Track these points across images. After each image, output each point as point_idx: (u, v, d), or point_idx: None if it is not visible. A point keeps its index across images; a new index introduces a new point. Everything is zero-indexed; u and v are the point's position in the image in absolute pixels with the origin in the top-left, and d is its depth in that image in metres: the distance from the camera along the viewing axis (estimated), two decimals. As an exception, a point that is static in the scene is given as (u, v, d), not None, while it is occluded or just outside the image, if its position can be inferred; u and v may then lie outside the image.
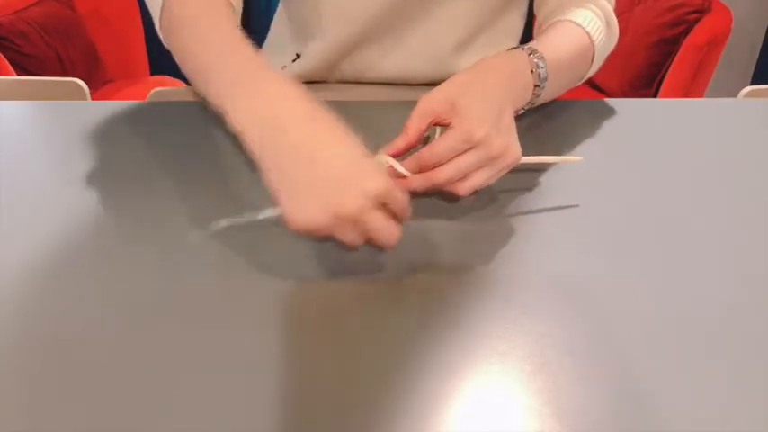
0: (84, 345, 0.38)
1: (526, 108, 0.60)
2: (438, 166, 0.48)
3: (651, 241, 0.49)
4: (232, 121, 0.46)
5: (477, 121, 0.48)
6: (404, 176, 0.49)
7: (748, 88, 0.95)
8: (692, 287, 0.44)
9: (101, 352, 0.37)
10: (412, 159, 0.49)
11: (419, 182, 0.49)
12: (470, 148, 0.48)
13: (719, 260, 0.47)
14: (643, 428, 0.33)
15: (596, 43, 0.67)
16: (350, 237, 0.41)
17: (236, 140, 0.63)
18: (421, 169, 0.49)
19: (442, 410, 0.34)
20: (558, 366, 0.37)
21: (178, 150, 0.61)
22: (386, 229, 0.41)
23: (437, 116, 0.50)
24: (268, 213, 0.46)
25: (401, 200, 0.43)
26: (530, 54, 0.58)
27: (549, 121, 0.69)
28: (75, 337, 0.38)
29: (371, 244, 0.42)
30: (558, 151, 0.62)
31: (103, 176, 0.56)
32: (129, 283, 0.43)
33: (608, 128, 0.68)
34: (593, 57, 0.68)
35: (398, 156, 0.50)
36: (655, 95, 1.91)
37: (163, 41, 0.64)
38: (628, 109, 0.73)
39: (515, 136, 0.51)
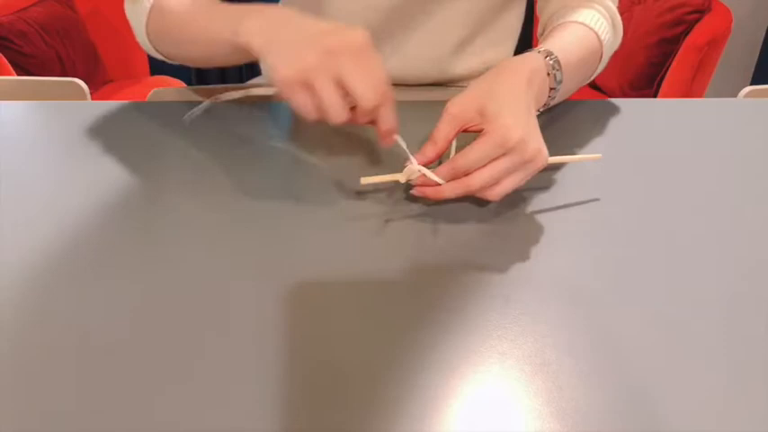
0: (83, 344, 0.38)
1: (541, 110, 0.60)
2: (471, 172, 0.48)
3: (651, 241, 0.49)
4: (241, 35, 0.51)
5: (512, 126, 0.47)
6: (437, 184, 0.49)
7: (748, 88, 0.95)
8: (692, 287, 0.44)
9: (100, 352, 0.37)
10: (445, 166, 0.49)
11: (454, 189, 0.49)
12: (504, 154, 0.47)
13: (720, 260, 0.47)
14: (643, 428, 0.33)
15: (604, 43, 0.68)
16: (326, 86, 0.45)
17: (235, 141, 0.63)
18: (454, 176, 0.49)
19: (443, 410, 0.34)
20: (559, 366, 0.37)
21: (178, 150, 0.61)
22: (360, 87, 0.45)
23: (465, 123, 0.50)
24: (261, 91, 0.50)
25: (379, 78, 0.46)
26: (546, 57, 0.58)
27: (550, 121, 0.69)
28: (76, 337, 0.38)
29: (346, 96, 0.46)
30: (558, 151, 0.62)
31: (103, 176, 0.56)
32: (129, 283, 0.43)
33: (608, 128, 0.68)
34: (602, 57, 0.69)
35: (428, 165, 0.50)
36: (655, 95, 1.91)
37: (149, 48, 0.68)
38: (628, 109, 0.73)
39: (542, 138, 0.51)
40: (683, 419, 0.34)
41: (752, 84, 0.96)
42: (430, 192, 0.50)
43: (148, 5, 0.65)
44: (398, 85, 0.79)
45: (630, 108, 0.73)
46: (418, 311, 0.41)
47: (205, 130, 0.65)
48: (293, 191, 0.54)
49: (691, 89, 1.84)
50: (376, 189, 0.55)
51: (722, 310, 0.42)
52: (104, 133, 0.64)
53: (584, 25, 0.66)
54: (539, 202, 0.54)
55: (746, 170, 0.60)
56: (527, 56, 0.58)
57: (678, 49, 1.83)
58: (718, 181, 0.58)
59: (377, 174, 0.51)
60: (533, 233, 0.49)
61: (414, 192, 0.51)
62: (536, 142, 0.49)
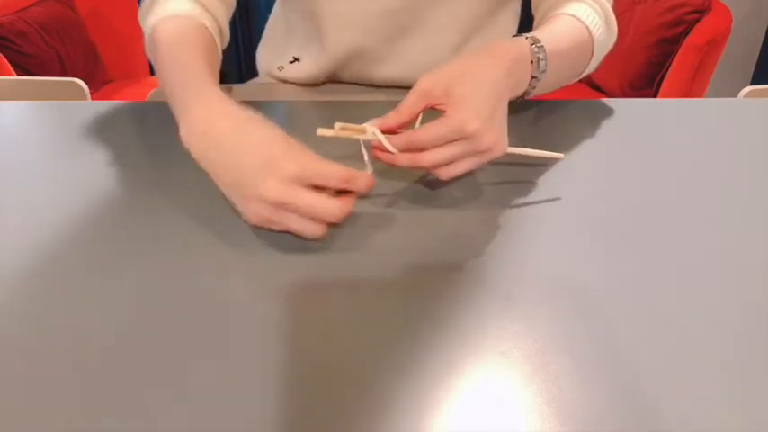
0: (82, 343, 0.38)
1: (521, 99, 0.59)
2: (425, 149, 0.49)
3: (652, 241, 0.49)
4: (181, 135, 0.51)
5: (472, 113, 0.48)
6: (390, 152, 0.50)
7: (748, 88, 0.95)
8: (692, 287, 0.44)
9: (99, 351, 0.37)
10: (401, 138, 0.50)
11: (404, 161, 0.50)
12: (460, 138, 0.48)
13: (720, 260, 0.47)
14: (643, 428, 0.33)
15: (595, 38, 0.67)
16: (295, 223, 0.45)
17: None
18: (408, 149, 0.49)
19: (443, 410, 0.34)
20: (559, 366, 0.37)
21: (178, 150, 0.61)
22: (320, 206, 0.44)
23: (433, 101, 0.50)
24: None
25: (329, 174, 0.44)
26: (532, 44, 0.57)
27: (550, 120, 0.69)
28: (75, 337, 0.38)
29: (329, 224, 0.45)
30: (557, 151, 0.62)
31: (103, 176, 0.56)
32: (129, 282, 0.43)
33: (608, 128, 0.68)
34: (593, 53, 0.68)
35: (386, 133, 0.50)
36: (655, 95, 1.91)
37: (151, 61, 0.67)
38: (628, 109, 0.73)
39: (506, 129, 0.51)
40: (684, 419, 0.34)
41: (752, 84, 0.96)
42: (384, 157, 0.50)
43: (149, 31, 0.65)
44: (396, 87, 0.79)
45: (630, 108, 0.73)
46: (417, 311, 0.41)
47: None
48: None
49: (691, 89, 1.84)
50: (377, 189, 0.55)
51: (723, 310, 0.42)
52: (104, 133, 0.64)
53: (576, 18, 0.66)
54: (539, 201, 0.54)
55: (746, 170, 0.60)
56: (513, 40, 0.57)
57: (678, 49, 1.83)
58: (718, 181, 0.58)
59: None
60: (533, 233, 0.49)
61: (371, 153, 0.51)
62: (494, 134, 0.49)
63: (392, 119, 0.51)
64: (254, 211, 0.45)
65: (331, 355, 0.37)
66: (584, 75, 0.70)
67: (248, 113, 0.49)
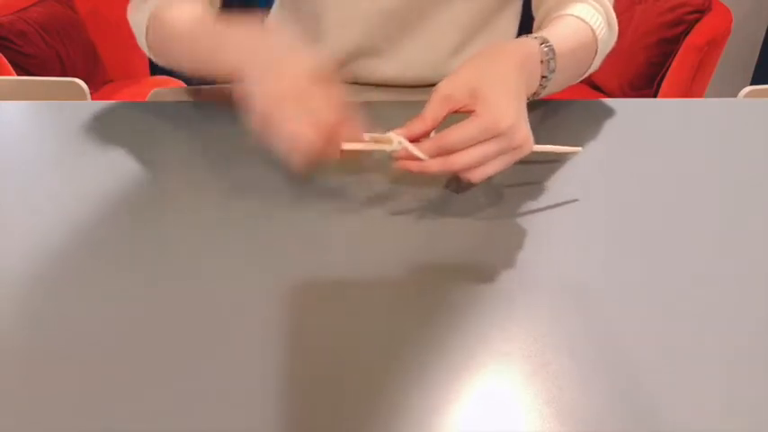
0: (82, 343, 0.38)
1: (530, 99, 0.59)
2: (455, 151, 0.48)
3: (652, 241, 0.49)
4: (226, 63, 0.55)
5: (504, 111, 0.47)
6: (420, 159, 0.48)
7: (748, 88, 0.95)
8: (692, 287, 0.44)
9: (100, 352, 0.37)
10: (431, 142, 0.48)
11: (436, 166, 0.48)
12: (492, 138, 0.47)
13: (720, 260, 0.47)
14: (643, 428, 0.33)
15: (599, 38, 0.67)
16: (292, 115, 0.48)
17: (235, 140, 0.63)
18: (438, 153, 0.48)
19: (443, 410, 0.34)
20: (559, 367, 0.37)
21: (178, 150, 0.61)
22: (320, 104, 0.48)
23: (457, 104, 0.49)
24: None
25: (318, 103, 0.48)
26: (541, 43, 0.57)
27: (550, 120, 0.69)
28: (75, 336, 0.38)
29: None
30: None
31: (103, 176, 0.56)
32: (129, 282, 0.43)
33: (608, 128, 0.68)
34: (596, 52, 0.68)
35: (413, 141, 0.49)
36: (655, 95, 1.91)
37: (151, 56, 0.69)
38: (628, 109, 0.73)
39: (529, 124, 0.50)
40: (684, 419, 0.34)
41: (752, 84, 0.96)
42: (413, 166, 0.49)
43: (147, 14, 0.66)
44: (396, 86, 0.79)
45: (630, 108, 0.73)
46: (417, 312, 0.41)
47: (205, 130, 0.65)
48: (293, 191, 0.54)
49: (691, 89, 1.84)
50: (376, 189, 0.55)
51: (723, 310, 0.42)
52: (104, 133, 0.64)
53: (580, 18, 0.66)
54: (540, 201, 0.54)
55: (746, 170, 0.60)
56: (522, 40, 0.57)
57: (678, 49, 1.83)
58: (718, 181, 0.58)
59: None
60: (534, 233, 0.49)
61: (397, 165, 0.50)
62: (525, 129, 0.48)
63: (417, 126, 0.49)
64: (256, 107, 0.49)
65: (331, 356, 0.37)
66: (587, 74, 0.70)
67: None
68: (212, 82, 0.78)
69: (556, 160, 0.60)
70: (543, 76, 0.57)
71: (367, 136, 0.50)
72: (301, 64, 0.50)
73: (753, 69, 2.47)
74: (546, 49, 0.57)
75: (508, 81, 0.50)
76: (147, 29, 0.67)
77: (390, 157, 0.50)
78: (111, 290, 0.43)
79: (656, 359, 0.38)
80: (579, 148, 0.58)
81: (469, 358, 0.37)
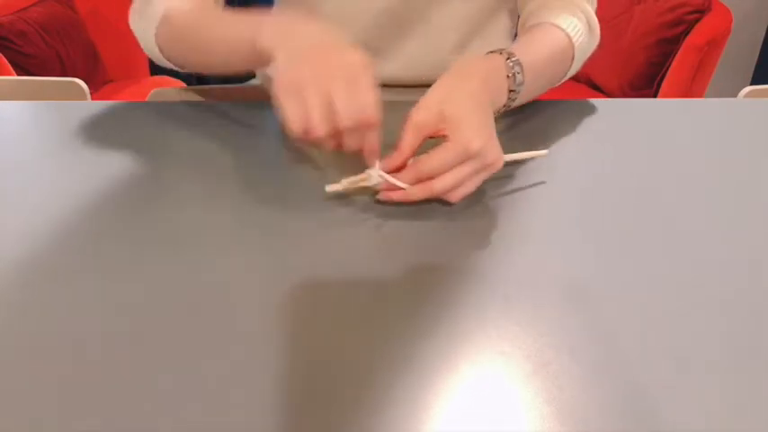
0: (83, 344, 0.38)
1: (502, 111, 0.60)
2: (434, 176, 0.49)
3: (652, 241, 0.49)
4: (262, 44, 0.53)
5: (473, 135, 0.48)
6: (401, 188, 0.50)
7: (748, 88, 0.95)
8: (693, 286, 0.44)
9: (100, 352, 0.37)
10: (409, 171, 0.50)
11: (417, 193, 0.50)
12: (467, 159, 0.49)
13: (720, 260, 0.47)
14: (643, 428, 0.33)
15: (576, 45, 0.68)
16: (313, 97, 0.47)
17: (235, 141, 0.63)
18: (418, 180, 0.50)
19: (443, 410, 0.34)
20: (559, 366, 0.37)
21: (178, 150, 0.61)
22: (346, 93, 0.47)
23: (430, 131, 0.51)
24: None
25: (366, 89, 0.48)
26: (507, 58, 0.58)
27: (550, 120, 0.69)
28: (75, 337, 0.38)
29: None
30: (558, 151, 0.62)
31: (103, 176, 0.56)
32: (129, 282, 0.43)
33: (608, 128, 0.68)
34: (573, 58, 0.69)
35: (393, 172, 0.51)
36: (655, 95, 1.91)
37: (159, 58, 0.69)
38: (628, 109, 0.73)
39: (497, 140, 0.52)
40: (684, 419, 0.34)
41: (752, 84, 0.96)
42: (396, 196, 0.51)
43: (158, 17, 0.67)
44: (396, 86, 0.79)
45: (630, 108, 0.73)
46: (417, 312, 0.41)
47: (205, 130, 0.65)
48: (293, 191, 0.55)
49: (691, 89, 1.84)
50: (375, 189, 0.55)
51: (723, 310, 0.42)
52: (104, 133, 0.64)
53: (556, 26, 0.67)
54: (539, 202, 0.54)
55: (746, 170, 0.60)
56: (488, 56, 0.59)
57: (678, 49, 1.83)
58: (718, 181, 0.58)
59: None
60: (533, 232, 0.49)
61: (380, 197, 0.52)
62: (495, 148, 0.50)
63: (395, 159, 0.51)
64: (301, 68, 0.48)
65: (331, 355, 0.37)
66: (565, 79, 0.71)
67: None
68: (222, 80, 0.78)
69: (556, 160, 0.60)
70: (511, 90, 0.59)
71: (345, 181, 0.52)
72: (342, 50, 0.50)
73: (753, 69, 2.47)
74: (511, 63, 0.58)
75: (475, 98, 0.52)
76: (158, 31, 0.67)
77: (374, 191, 0.52)
78: (111, 290, 0.43)
79: (656, 359, 0.38)
80: (545, 151, 0.59)
81: (469, 358, 0.37)
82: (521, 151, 0.58)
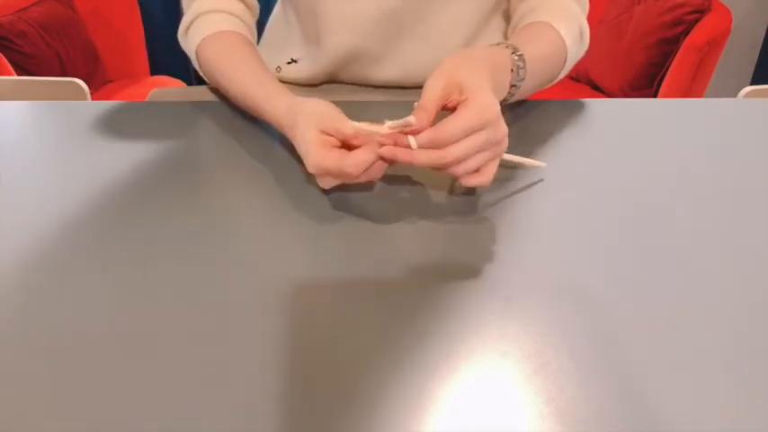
0: (82, 344, 0.38)
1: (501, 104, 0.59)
2: (447, 145, 0.47)
3: (652, 241, 0.49)
4: (270, 121, 0.61)
5: (490, 101, 0.48)
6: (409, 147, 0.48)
7: (748, 88, 0.95)
8: (692, 287, 0.44)
9: (99, 352, 0.37)
10: (427, 133, 0.47)
11: (423, 158, 0.48)
12: (481, 128, 0.47)
13: (720, 260, 0.47)
14: (643, 428, 0.33)
15: (569, 49, 0.68)
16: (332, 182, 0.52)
17: (234, 141, 0.63)
18: (432, 145, 0.47)
19: (443, 410, 0.34)
20: (559, 366, 0.37)
21: (178, 150, 0.61)
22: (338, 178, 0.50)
23: (445, 94, 0.49)
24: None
25: (348, 169, 0.48)
26: (512, 52, 0.58)
27: (550, 120, 0.69)
28: (75, 337, 0.38)
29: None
30: (557, 151, 0.62)
31: (103, 176, 0.56)
32: (129, 282, 0.43)
33: (608, 128, 0.68)
34: (565, 61, 0.69)
35: (414, 134, 0.48)
36: (655, 95, 1.91)
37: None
38: (628, 109, 0.73)
39: None
40: (684, 419, 0.34)
41: (752, 84, 0.96)
42: (401, 153, 0.48)
43: (194, 49, 0.71)
44: (395, 87, 0.79)
45: (630, 108, 0.73)
46: (417, 312, 0.41)
47: (205, 130, 0.65)
48: (293, 191, 0.54)
49: (691, 89, 1.84)
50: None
51: (723, 310, 0.42)
52: (104, 133, 0.64)
53: (552, 27, 0.67)
54: (539, 202, 0.54)
55: (746, 170, 0.60)
56: (494, 48, 0.58)
57: (678, 49, 1.83)
58: (717, 181, 0.58)
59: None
60: (533, 233, 0.49)
61: (382, 150, 0.48)
62: (504, 125, 0.49)
63: (423, 119, 0.48)
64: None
65: (331, 356, 0.37)
66: (555, 82, 0.71)
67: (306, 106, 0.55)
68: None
69: (556, 160, 0.60)
70: (513, 85, 0.58)
71: (359, 124, 0.49)
72: (310, 143, 0.51)
73: (753, 69, 2.47)
74: (516, 57, 0.58)
75: (485, 75, 0.51)
76: (198, 59, 0.72)
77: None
78: (111, 290, 0.43)
79: (657, 359, 0.38)
80: (543, 164, 0.58)
81: (469, 358, 0.37)
82: (519, 155, 0.57)
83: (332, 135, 0.51)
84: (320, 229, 0.50)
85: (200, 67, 0.73)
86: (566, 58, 0.68)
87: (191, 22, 0.72)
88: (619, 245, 0.48)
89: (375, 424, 0.33)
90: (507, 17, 0.81)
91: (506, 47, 0.58)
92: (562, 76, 0.71)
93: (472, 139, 0.47)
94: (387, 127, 0.49)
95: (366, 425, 0.33)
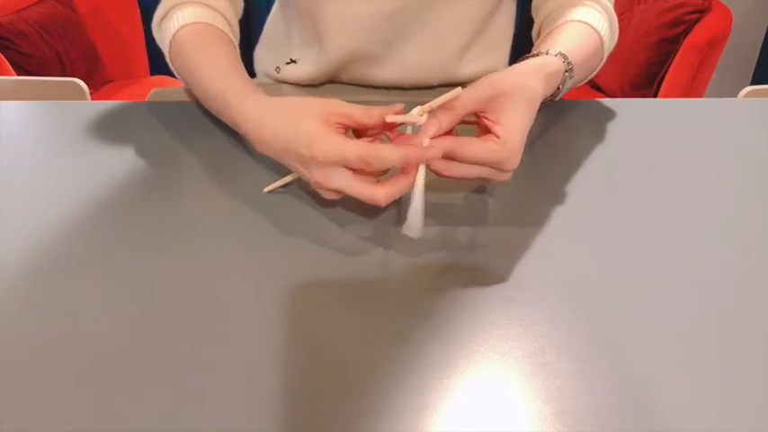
0: (82, 344, 0.38)
1: None
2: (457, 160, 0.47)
3: (652, 241, 0.49)
4: (236, 121, 0.56)
5: (517, 150, 0.47)
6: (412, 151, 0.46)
7: (748, 88, 0.95)
8: (692, 287, 0.44)
9: (99, 352, 0.37)
10: (444, 140, 0.46)
11: (438, 166, 0.47)
12: (493, 167, 0.47)
13: (720, 260, 0.47)
14: (643, 428, 0.33)
15: (605, 43, 0.68)
16: (325, 194, 0.48)
17: (234, 141, 0.63)
18: (445, 156, 0.47)
19: (443, 410, 0.34)
20: (559, 366, 0.37)
21: (178, 150, 0.61)
22: (351, 187, 0.46)
23: (480, 108, 0.48)
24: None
25: (353, 157, 0.45)
26: (564, 61, 0.58)
27: (550, 120, 0.69)
28: (75, 337, 0.38)
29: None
30: (558, 151, 0.62)
31: (103, 176, 0.56)
32: (128, 282, 0.43)
33: (608, 128, 0.68)
34: (602, 59, 0.70)
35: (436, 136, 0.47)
36: (655, 95, 1.91)
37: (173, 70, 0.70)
38: (628, 109, 0.73)
39: None
40: (684, 419, 0.34)
41: (752, 84, 0.96)
42: (411, 151, 0.46)
43: (167, 41, 0.67)
44: (396, 88, 0.79)
45: (630, 108, 0.73)
46: (417, 312, 0.41)
47: (205, 130, 0.65)
48: (293, 191, 0.54)
49: (691, 89, 1.84)
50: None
51: (723, 310, 0.42)
52: (104, 133, 0.64)
53: (588, 25, 0.66)
54: (540, 201, 0.54)
55: (746, 170, 0.60)
56: (548, 59, 0.58)
57: (678, 49, 1.83)
58: (717, 181, 0.58)
59: None
60: (534, 233, 0.49)
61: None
62: (516, 165, 0.48)
63: (447, 120, 0.47)
64: (310, 181, 0.49)
65: (331, 356, 0.37)
66: (589, 78, 0.72)
67: (288, 103, 0.52)
68: None
69: (556, 160, 0.60)
70: (558, 88, 0.59)
71: (418, 109, 0.48)
72: (294, 133, 0.48)
73: (753, 69, 2.47)
74: (567, 66, 0.58)
75: (530, 108, 0.50)
76: (170, 54, 0.68)
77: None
78: (111, 290, 0.43)
79: (657, 359, 0.38)
80: (459, 89, 0.50)
81: (469, 358, 0.37)
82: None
83: (340, 123, 0.47)
84: (320, 228, 0.49)
85: (170, 60, 0.68)
86: (602, 57, 0.69)
87: (165, 13, 0.68)
88: (619, 244, 0.48)
89: (375, 424, 0.33)
90: (509, 19, 0.81)
91: (556, 55, 0.58)
92: (595, 73, 0.72)
93: (481, 168, 0.48)
94: (416, 113, 0.47)
95: (366, 424, 0.33)
